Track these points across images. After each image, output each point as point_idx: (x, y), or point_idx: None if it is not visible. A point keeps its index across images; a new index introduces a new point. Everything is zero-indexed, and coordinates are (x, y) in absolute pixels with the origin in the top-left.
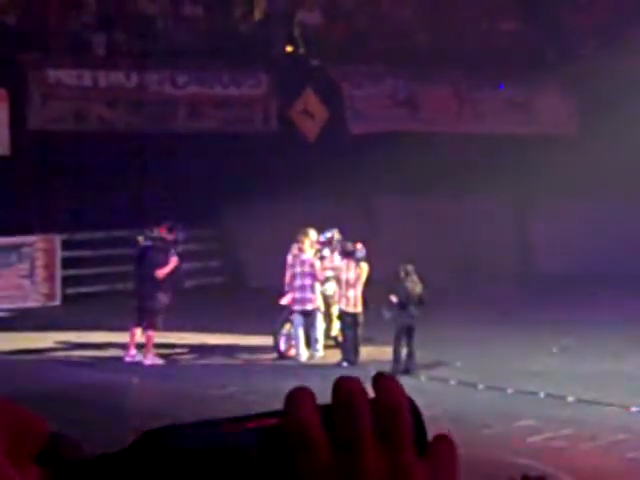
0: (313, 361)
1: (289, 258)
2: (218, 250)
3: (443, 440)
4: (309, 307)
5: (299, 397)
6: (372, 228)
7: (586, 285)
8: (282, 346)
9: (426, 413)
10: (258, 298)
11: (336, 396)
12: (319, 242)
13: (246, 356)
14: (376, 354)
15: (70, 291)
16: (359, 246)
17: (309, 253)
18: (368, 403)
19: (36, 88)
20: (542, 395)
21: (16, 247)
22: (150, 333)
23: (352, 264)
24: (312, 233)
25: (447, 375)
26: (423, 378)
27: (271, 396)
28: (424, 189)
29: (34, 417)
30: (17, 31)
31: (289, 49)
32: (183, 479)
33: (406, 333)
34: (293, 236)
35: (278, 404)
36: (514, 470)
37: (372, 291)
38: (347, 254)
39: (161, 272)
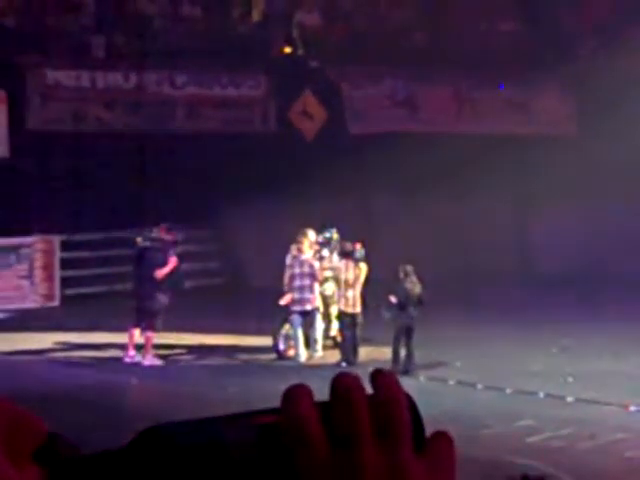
0: (312, 361)
1: (288, 259)
2: (217, 251)
3: (441, 437)
4: (308, 307)
5: (297, 394)
6: (371, 228)
7: (586, 285)
8: (281, 346)
9: (425, 413)
10: (257, 298)
11: (334, 392)
12: (318, 242)
13: (245, 356)
14: (375, 354)
15: (69, 292)
16: (358, 246)
17: (308, 253)
18: (366, 399)
19: (35, 89)
20: (541, 395)
21: (15, 248)
22: (149, 334)
23: (351, 264)
24: (311, 233)
25: (446, 375)
26: (422, 378)
27: (270, 396)
28: (423, 189)
29: (32, 417)
30: (16, 33)
31: (288, 50)
32: (182, 476)
33: (405, 333)
34: (292, 237)
35: (277, 404)
36: (513, 470)
37: (371, 291)
38: (346, 254)
39: (160, 273)
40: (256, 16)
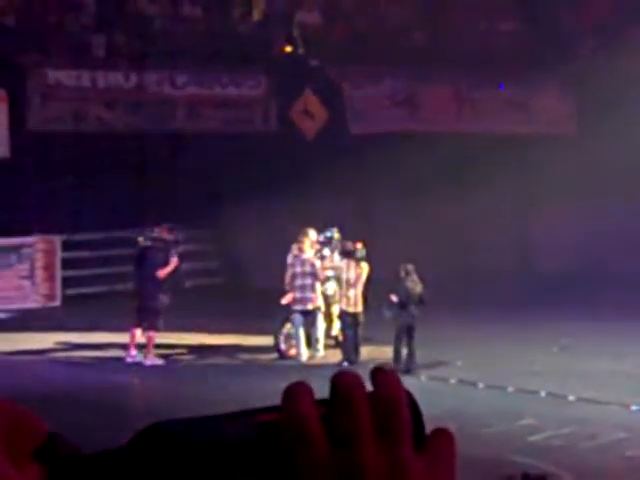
0: (314, 361)
1: (289, 258)
2: (217, 250)
3: (441, 433)
4: (310, 307)
5: (297, 392)
6: (371, 228)
7: (585, 285)
8: (282, 346)
9: (426, 412)
10: (258, 298)
11: (334, 391)
12: (319, 242)
13: (247, 356)
14: (376, 354)
15: (70, 292)
16: (359, 246)
17: (309, 253)
18: (366, 397)
19: (35, 89)
20: (543, 394)
21: (16, 248)
22: (151, 334)
23: (352, 264)
24: (312, 233)
25: (447, 374)
26: (423, 377)
27: (272, 396)
28: (424, 189)
29: (32, 416)
30: (16, 32)
31: (288, 49)
32: (182, 473)
33: (406, 332)
34: (293, 236)
35: (278, 404)
36: (515, 469)
37: (372, 291)
38: (347, 254)
39: (162, 272)
40: (256, 16)
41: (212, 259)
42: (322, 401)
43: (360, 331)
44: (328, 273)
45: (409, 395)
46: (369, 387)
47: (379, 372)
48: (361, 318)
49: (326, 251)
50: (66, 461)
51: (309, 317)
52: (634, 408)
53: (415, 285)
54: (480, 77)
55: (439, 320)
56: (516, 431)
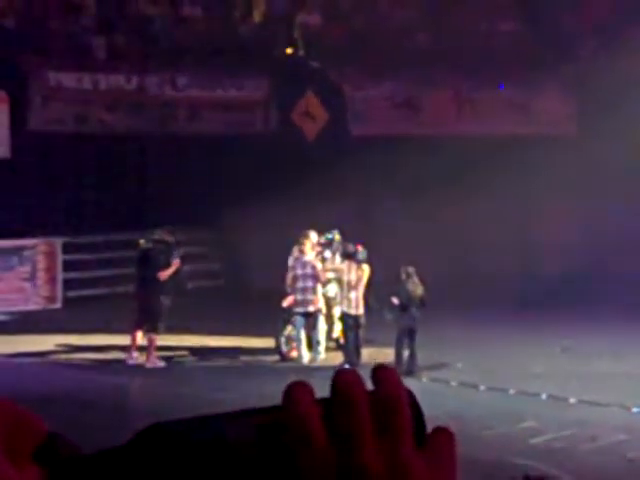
0: (315, 363)
1: (290, 260)
2: (219, 252)
3: (442, 432)
4: (311, 309)
5: (297, 391)
6: (372, 229)
7: (586, 286)
8: (284, 348)
9: (428, 414)
10: (259, 300)
11: (334, 389)
12: (320, 244)
13: (248, 358)
14: (378, 356)
15: (71, 294)
16: (360, 248)
17: (310, 255)
18: (367, 395)
19: (36, 91)
20: (544, 396)
21: (17, 250)
22: (153, 336)
23: (353, 266)
24: (313, 235)
25: (448, 376)
26: (425, 379)
27: (273, 398)
28: (424, 190)
29: (32, 416)
30: (17, 34)
31: (289, 51)
32: (182, 473)
33: (407, 335)
34: (294, 238)
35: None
36: (516, 471)
37: (373, 293)
38: (348, 256)
39: (163, 274)
40: (257, 17)
41: (213, 261)
42: (322, 400)
43: (361, 333)
44: (329, 275)
45: (410, 394)
46: (369, 386)
47: (379, 370)
48: (362, 320)
49: (327, 253)
50: (66, 461)
51: (310, 319)
52: (635, 410)
53: (416, 287)
54: (481, 78)
55: (440, 322)
56: (517, 433)
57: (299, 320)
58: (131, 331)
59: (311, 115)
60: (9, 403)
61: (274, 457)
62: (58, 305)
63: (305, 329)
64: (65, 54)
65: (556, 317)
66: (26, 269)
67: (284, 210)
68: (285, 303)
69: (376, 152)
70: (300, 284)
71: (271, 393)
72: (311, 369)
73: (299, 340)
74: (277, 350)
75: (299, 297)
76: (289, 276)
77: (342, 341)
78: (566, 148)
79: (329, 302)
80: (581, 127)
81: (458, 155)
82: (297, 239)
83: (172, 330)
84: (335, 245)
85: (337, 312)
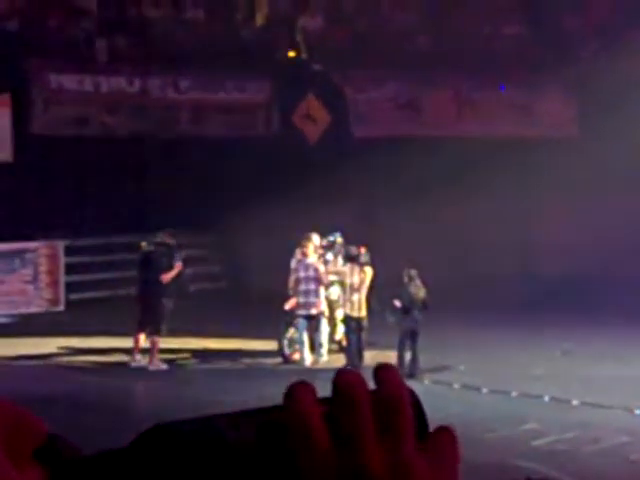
0: (317, 365)
1: (293, 262)
2: (220, 254)
3: (444, 432)
4: (313, 311)
5: (299, 390)
6: (374, 231)
7: (587, 288)
8: (286, 350)
9: (430, 417)
10: (262, 302)
11: (336, 389)
12: (322, 246)
13: (250, 360)
14: (380, 358)
15: (74, 296)
16: (363, 250)
17: (313, 257)
18: (368, 395)
19: (38, 93)
20: (546, 399)
21: (19, 253)
22: (155, 338)
23: (356, 268)
24: (315, 237)
25: (451, 379)
26: (427, 382)
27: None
28: (426, 192)
29: (32, 417)
30: (19, 36)
31: (291, 54)
32: (183, 474)
33: (410, 337)
34: (296, 241)
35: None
36: (518, 473)
37: (376, 295)
38: (351, 258)
39: (166, 277)
40: (260, 20)
41: (214, 264)
42: (324, 400)
43: (364, 336)
44: (332, 278)
45: (412, 393)
46: (371, 386)
47: (381, 369)
48: (365, 323)
49: (329, 255)
50: (67, 462)
51: (313, 322)
52: (637, 412)
53: (418, 290)
54: (483, 80)
55: (442, 324)
56: (520, 436)
57: (302, 323)
58: (134, 334)
59: (312, 118)
60: (9, 404)
61: (274, 457)
62: (60, 308)
63: (308, 332)
64: (67, 56)
65: (557, 319)
66: (28, 272)
67: (286, 212)
68: (287, 306)
69: (378, 154)
70: (303, 287)
71: (272, 395)
72: (313, 371)
73: (302, 343)
74: (280, 353)
75: (302, 300)
76: (292, 279)
77: (344, 344)
78: (567, 149)
79: (332, 305)
80: (582, 128)
81: (460, 157)
82: (299, 242)
83: (174, 333)
84: (337, 247)
85: (339, 315)
